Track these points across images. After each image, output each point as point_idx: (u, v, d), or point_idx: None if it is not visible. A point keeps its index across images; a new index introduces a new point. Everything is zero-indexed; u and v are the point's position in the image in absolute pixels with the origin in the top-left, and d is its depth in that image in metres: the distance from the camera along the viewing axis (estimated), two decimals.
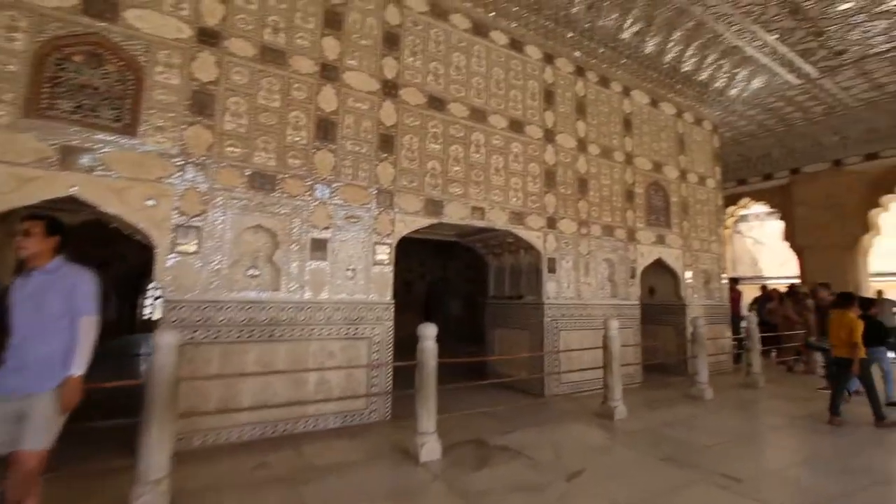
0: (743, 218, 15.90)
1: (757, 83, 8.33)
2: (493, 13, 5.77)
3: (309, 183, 4.33)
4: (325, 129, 4.48)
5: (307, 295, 4.22)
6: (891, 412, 4.94)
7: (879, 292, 8.99)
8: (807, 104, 9.44)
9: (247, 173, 4.04)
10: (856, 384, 5.35)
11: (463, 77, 5.49)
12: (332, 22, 4.66)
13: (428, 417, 3.51)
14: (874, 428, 4.55)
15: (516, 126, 5.91)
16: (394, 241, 4.76)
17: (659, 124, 7.78)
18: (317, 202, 4.36)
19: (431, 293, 14.18)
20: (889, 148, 10.05)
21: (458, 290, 14.04)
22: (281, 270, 4.14)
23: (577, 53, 6.64)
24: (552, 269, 6.00)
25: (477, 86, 5.61)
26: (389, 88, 4.90)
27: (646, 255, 7.18)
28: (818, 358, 7.23)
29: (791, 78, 8.25)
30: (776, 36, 7.11)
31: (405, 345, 4.74)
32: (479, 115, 5.57)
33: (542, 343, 5.77)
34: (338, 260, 4.42)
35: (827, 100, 9.19)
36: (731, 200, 12.88)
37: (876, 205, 10.47)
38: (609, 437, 4.15)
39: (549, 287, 5.95)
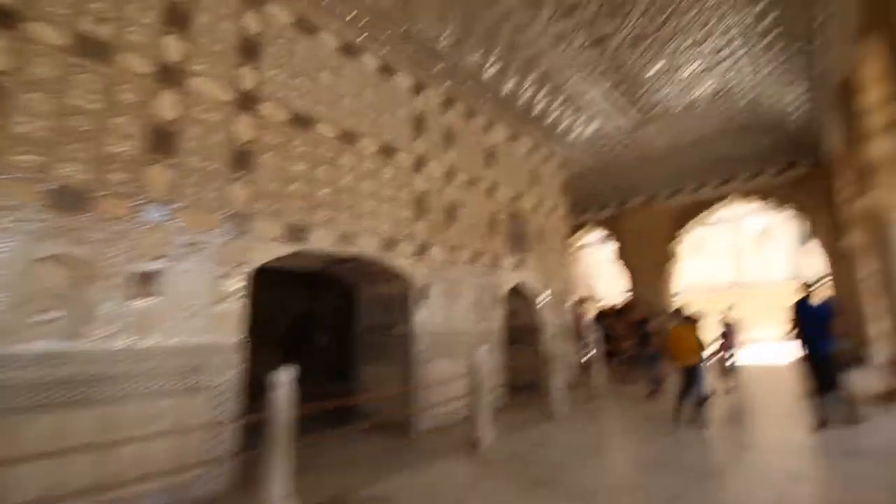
0: (586, 243, 18.22)
1: (592, 127, 9.69)
2: (364, 36, 5.67)
3: (138, 203, 3.58)
4: (163, 141, 3.78)
5: (125, 342, 3.39)
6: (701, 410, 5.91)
7: (728, 309, 9.86)
8: (629, 148, 11.29)
9: (46, 188, 3.16)
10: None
11: (333, 97, 5.24)
12: (176, 20, 4.03)
13: (281, 480, 3.07)
14: (696, 428, 5.40)
15: (388, 151, 5.83)
16: (248, 271, 4.21)
17: (517, 158, 8.50)
18: (147, 226, 3.62)
19: (297, 328, 13.16)
20: (686, 187, 12.54)
21: (328, 322, 13.29)
22: (90, 312, 3.29)
23: (448, 83, 6.91)
24: (422, 298, 5.98)
25: (348, 107, 5.40)
26: (247, 100, 4.40)
27: (508, 279, 7.66)
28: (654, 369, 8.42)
29: (617, 125, 9.80)
30: (607, 87, 8.37)
31: (265, 387, 4.18)
32: (349, 137, 5.35)
33: (411, 376, 5.66)
34: (174, 296, 3.69)
35: (642, 145, 11.12)
36: (575, 228, 14.70)
37: (679, 232, 12.93)
38: (479, 469, 4.17)
39: (420, 316, 5.90)
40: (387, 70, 6.00)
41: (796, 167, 10.83)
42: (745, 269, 20.53)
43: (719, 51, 7.40)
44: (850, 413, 5.07)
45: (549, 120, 8.87)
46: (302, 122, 4.86)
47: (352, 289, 6.82)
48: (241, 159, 4.28)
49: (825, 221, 10.37)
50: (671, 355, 5.85)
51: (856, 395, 5.25)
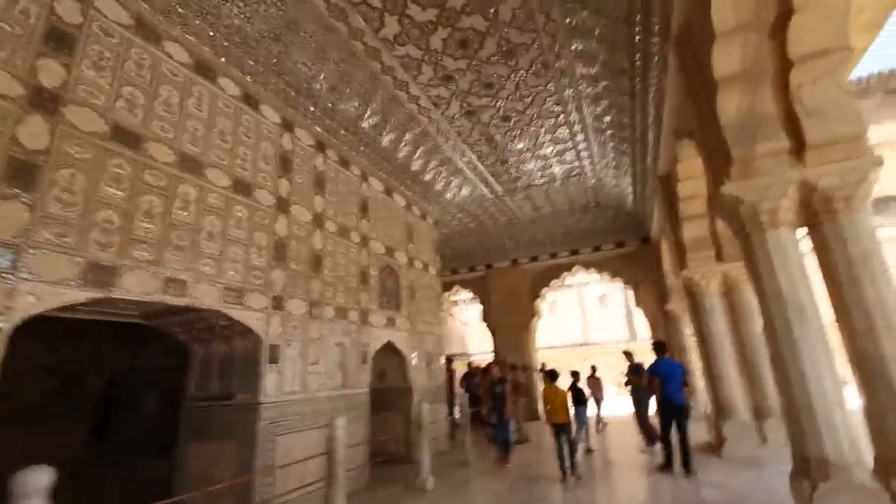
0: (455, 302, 18.52)
1: (465, 191, 10.09)
2: (224, 58, 5.04)
3: None
4: None
5: None
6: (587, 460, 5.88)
7: (593, 367, 10.26)
8: (496, 214, 12.00)
9: None
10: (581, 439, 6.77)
11: (174, 117, 4.40)
12: None
13: None
14: (573, 478, 5.56)
15: (243, 187, 5.06)
16: (8, 324, 2.99)
17: (392, 212, 8.29)
18: None
19: (113, 392, 10.44)
20: (544, 254, 13.68)
21: (155, 384, 10.83)
22: None
23: (319, 129, 6.49)
24: (274, 359, 5.05)
25: (194, 131, 4.59)
26: (44, 98, 3.38)
27: (377, 338, 7.08)
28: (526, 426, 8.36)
29: (486, 192, 10.36)
30: (477, 156, 8.83)
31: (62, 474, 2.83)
32: (192, 164, 4.49)
33: (253, 457, 4.58)
34: None
35: (508, 212, 11.93)
36: (447, 287, 14.87)
37: (538, 296, 13.88)
38: None
39: (269, 381, 4.93)
40: (249, 100, 5.37)
41: (626, 245, 12.68)
42: (590, 330, 23.01)
43: (571, 139, 8.41)
44: (688, 461, 5.52)
45: (426, 178, 8.97)
46: (127, 137, 3.92)
47: (183, 347, 5.54)
48: (21, 171, 3.18)
49: (653, 290, 12.13)
50: (546, 414, 5.86)
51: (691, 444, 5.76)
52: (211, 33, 4.80)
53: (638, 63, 5.76)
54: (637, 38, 5.37)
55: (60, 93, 3.50)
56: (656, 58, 5.38)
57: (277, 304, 5.25)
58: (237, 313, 4.72)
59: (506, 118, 7.65)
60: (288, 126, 5.95)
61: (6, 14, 3.25)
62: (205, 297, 4.39)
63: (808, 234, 3.80)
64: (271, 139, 5.64)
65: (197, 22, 4.65)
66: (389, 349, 7.52)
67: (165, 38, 4.44)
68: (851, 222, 3.48)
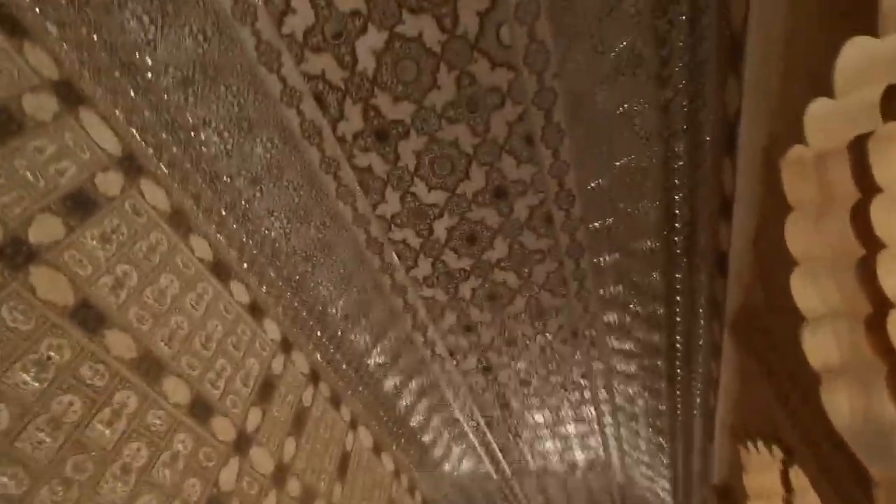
0: None
1: (466, 465, 8.37)
2: (247, 264, 4.76)
3: None
4: None
5: None
6: None
7: None
8: (504, 500, 9.71)
9: None
10: None
11: (161, 307, 3.74)
12: None
13: None
14: None
15: (202, 410, 3.92)
16: None
17: (375, 479, 6.55)
18: None
19: None
20: None
21: None
22: None
23: (319, 357, 5.72)
24: None
25: (175, 327, 3.83)
26: (17, 252, 2.82)
27: None
28: None
29: (492, 470, 8.59)
30: (487, 422, 7.62)
31: None
32: (151, 366, 3.53)
33: None
34: None
35: (518, 499, 9.65)
36: None
37: None
38: None
39: None
40: (255, 310, 4.83)
41: None
42: None
43: (597, 419, 7.41)
44: None
45: (425, 439, 7.54)
46: (86, 313, 3.16)
47: None
48: None
49: None
50: None
51: None
52: (244, 239, 4.67)
53: (679, 345, 5.33)
54: (678, 318, 5.09)
55: (45, 249, 2.97)
56: (701, 340, 4.95)
57: None
58: None
59: (525, 382, 6.87)
60: (286, 347, 5.21)
61: (36, 165, 3.04)
62: None
63: None
64: (261, 357, 4.81)
65: (234, 226, 4.58)
66: None
67: (195, 233, 4.25)
68: None
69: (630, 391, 6.63)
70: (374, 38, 3.88)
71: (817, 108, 2.48)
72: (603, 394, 6.86)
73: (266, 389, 4.75)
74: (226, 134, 4.31)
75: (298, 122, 4.35)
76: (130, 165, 3.74)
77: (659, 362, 5.77)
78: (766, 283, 3.66)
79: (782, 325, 3.46)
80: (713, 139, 3.47)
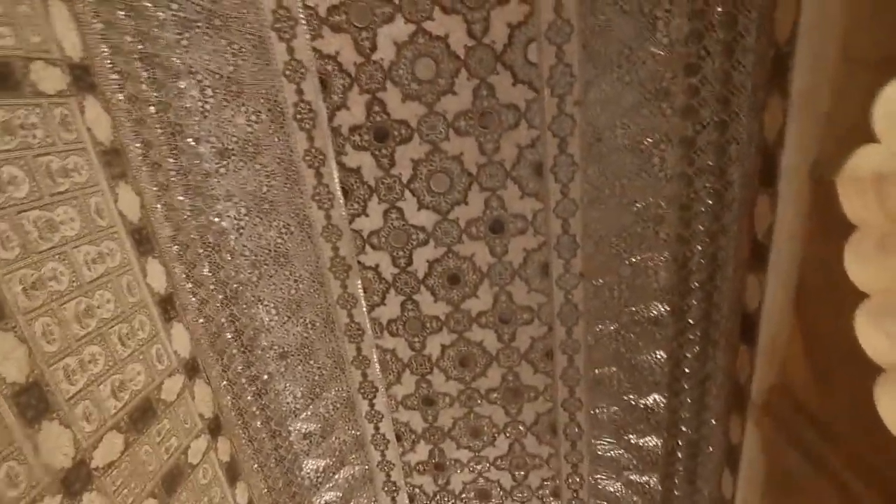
0: None
1: None
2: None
3: None
4: None
5: None
6: None
7: None
8: None
9: None
10: None
11: None
12: None
13: None
14: None
15: (29, 399, 2.62)
16: None
17: None
18: None
19: None
20: None
21: None
22: None
23: (229, 399, 4.34)
24: None
25: None
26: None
27: None
28: None
29: None
30: None
31: None
32: None
33: None
34: None
35: None
36: None
37: None
38: None
39: None
40: (168, 305, 3.71)
41: None
42: None
43: None
44: None
45: None
46: None
47: None
48: None
49: None
50: None
51: None
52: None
53: (681, 453, 4.37)
54: (682, 413, 4.26)
55: None
56: (711, 447, 4.06)
57: None
58: None
59: (484, 495, 5.42)
60: (191, 371, 3.89)
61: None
62: None
63: None
64: (153, 370, 3.50)
65: (181, 197, 3.74)
66: None
67: (126, 182, 3.40)
68: None
69: None
70: (399, 29, 3.74)
71: (893, 92, 2.25)
72: None
73: (142, 415, 3.37)
74: (209, 91, 3.80)
75: (295, 100, 3.93)
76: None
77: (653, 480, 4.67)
78: (811, 350, 3.06)
79: (839, 404, 2.78)
80: (746, 173, 3.20)
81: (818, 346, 2.99)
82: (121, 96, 3.37)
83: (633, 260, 4.07)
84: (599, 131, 3.86)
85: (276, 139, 4.01)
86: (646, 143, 3.67)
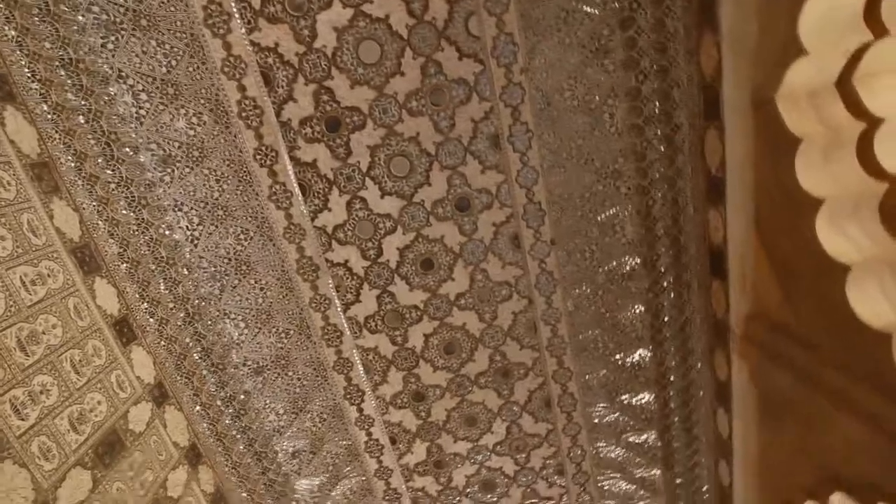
0: None
1: None
2: None
3: None
4: None
5: None
6: None
7: None
8: None
9: None
10: None
11: None
12: None
13: None
14: None
15: None
16: None
17: None
18: None
19: None
20: None
21: None
22: None
23: (205, 426, 4.02)
24: None
25: None
26: None
27: None
28: None
29: None
30: None
31: None
32: None
33: None
34: None
35: None
36: None
37: None
38: None
39: None
40: (124, 328, 3.41)
41: None
42: None
43: None
44: None
45: None
46: None
47: None
48: None
49: None
50: None
51: None
52: (133, 228, 3.53)
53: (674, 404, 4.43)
54: (667, 363, 4.33)
55: None
56: (702, 391, 4.14)
57: None
58: None
59: (489, 486, 5.27)
60: (159, 397, 3.61)
61: None
62: None
63: None
64: (114, 399, 3.20)
65: (125, 211, 3.48)
66: None
67: (61, 199, 3.12)
68: None
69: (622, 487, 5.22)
70: (337, 14, 3.69)
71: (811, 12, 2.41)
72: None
73: (109, 448, 3.05)
74: (143, 96, 3.58)
75: (237, 98, 3.77)
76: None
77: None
78: (778, 269, 3.18)
79: (811, 315, 2.89)
80: (691, 113, 3.34)
81: (784, 265, 3.11)
82: (45, 106, 3.12)
83: (600, 219, 4.14)
84: (548, 96, 3.94)
85: (223, 140, 3.82)
86: (595, 100, 3.77)
